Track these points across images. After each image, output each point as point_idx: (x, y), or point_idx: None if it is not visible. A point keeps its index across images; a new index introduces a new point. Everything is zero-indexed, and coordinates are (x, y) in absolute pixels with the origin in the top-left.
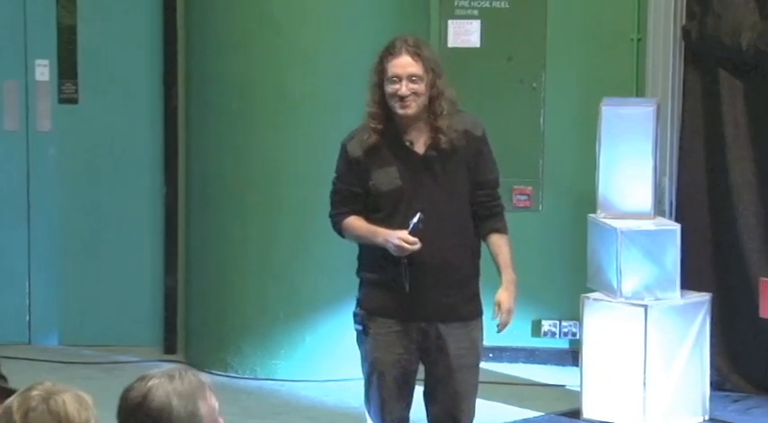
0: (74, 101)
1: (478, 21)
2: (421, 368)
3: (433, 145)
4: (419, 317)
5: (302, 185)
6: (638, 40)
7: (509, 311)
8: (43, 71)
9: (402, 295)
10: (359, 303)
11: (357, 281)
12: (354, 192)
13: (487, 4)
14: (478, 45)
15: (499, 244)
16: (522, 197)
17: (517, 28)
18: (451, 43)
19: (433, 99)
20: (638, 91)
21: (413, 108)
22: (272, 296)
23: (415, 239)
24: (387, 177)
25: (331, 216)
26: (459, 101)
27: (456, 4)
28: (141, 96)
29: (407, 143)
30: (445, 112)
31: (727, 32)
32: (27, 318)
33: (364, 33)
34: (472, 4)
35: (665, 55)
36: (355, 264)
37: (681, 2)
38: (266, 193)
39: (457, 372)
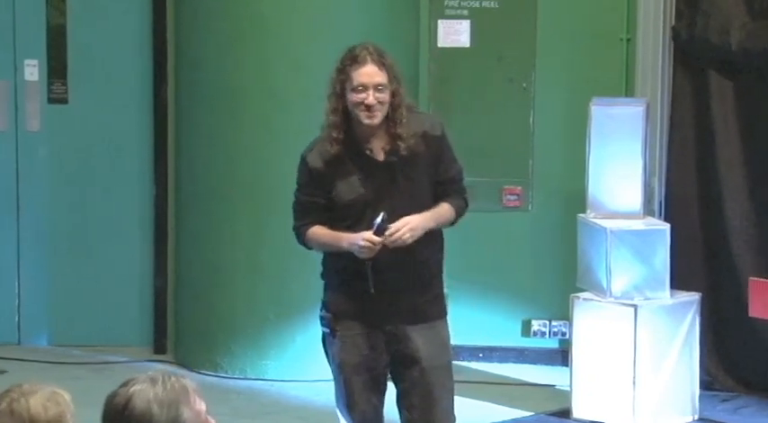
0: (63, 101)
1: (468, 21)
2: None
3: (393, 151)
4: (385, 320)
5: (292, 185)
6: (628, 40)
7: (408, 224)
8: (32, 71)
9: (367, 299)
10: (325, 306)
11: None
12: (317, 202)
13: (477, 4)
14: (468, 45)
15: (440, 204)
16: (512, 197)
17: (507, 28)
18: (441, 43)
19: (394, 107)
20: (628, 91)
21: (378, 117)
22: (261, 296)
23: (380, 239)
24: (349, 186)
25: (294, 228)
26: (447, 101)
27: (446, 3)
28: (131, 96)
29: (367, 151)
30: (405, 120)
31: (716, 32)
32: (16, 318)
33: (354, 33)
34: (462, 4)
35: (655, 55)
36: None
37: (670, 2)
38: (256, 193)
39: (430, 374)
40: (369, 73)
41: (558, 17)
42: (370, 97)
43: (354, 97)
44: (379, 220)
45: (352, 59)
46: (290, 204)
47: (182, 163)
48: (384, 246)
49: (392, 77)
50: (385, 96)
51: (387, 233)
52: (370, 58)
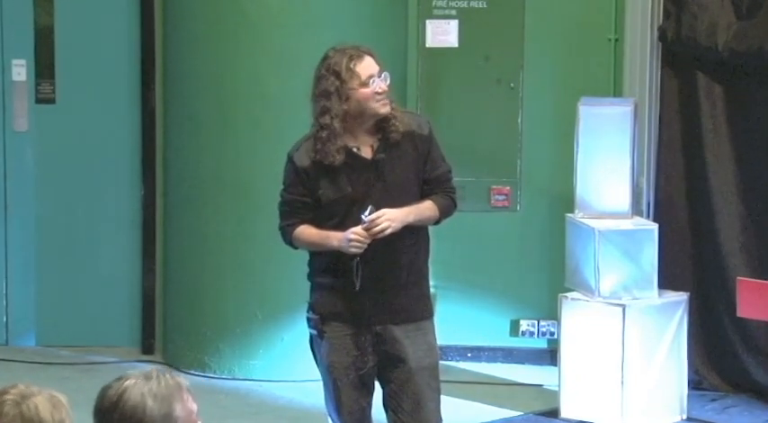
0: (51, 101)
1: (456, 21)
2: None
3: (381, 148)
4: (373, 320)
5: (279, 186)
6: (616, 40)
7: (386, 214)
8: (20, 71)
9: (354, 299)
10: (311, 308)
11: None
12: (303, 201)
13: (465, 4)
14: (456, 45)
15: (423, 201)
16: (500, 197)
17: (495, 28)
18: (429, 43)
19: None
20: (616, 91)
21: (390, 104)
22: (249, 296)
23: (366, 233)
24: (336, 185)
25: (281, 228)
26: (435, 101)
27: (434, 4)
28: (119, 96)
29: (354, 149)
30: (395, 105)
31: (702, 33)
32: (4, 318)
33: (342, 33)
34: (450, 4)
35: (643, 55)
36: None
37: (658, 2)
38: (243, 193)
39: (416, 375)
40: (371, 64)
41: (545, 17)
42: (383, 84)
43: (366, 91)
44: (366, 213)
45: (349, 58)
46: (276, 204)
47: (170, 163)
48: (372, 241)
49: (384, 68)
50: (389, 84)
51: (364, 220)
52: (364, 51)
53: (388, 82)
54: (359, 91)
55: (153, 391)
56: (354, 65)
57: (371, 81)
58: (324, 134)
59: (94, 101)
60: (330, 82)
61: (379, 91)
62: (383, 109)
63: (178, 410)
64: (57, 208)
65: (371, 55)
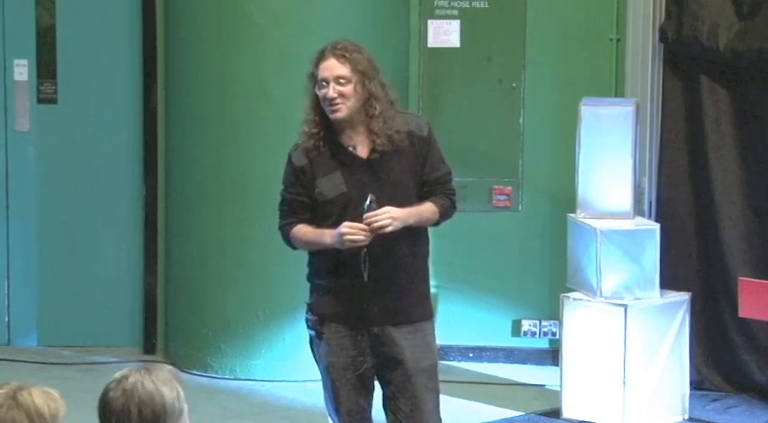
0: (53, 101)
1: (458, 21)
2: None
3: (377, 148)
4: (370, 322)
5: (280, 186)
6: (618, 40)
7: (388, 212)
8: (22, 71)
9: (353, 300)
10: (310, 309)
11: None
12: (302, 201)
13: (467, 5)
14: (458, 45)
15: (423, 203)
16: (502, 197)
17: (497, 28)
18: (431, 43)
19: (364, 101)
20: (618, 91)
21: (343, 111)
22: (251, 296)
23: (364, 226)
24: (331, 184)
25: (280, 227)
26: (437, 101)
27: (436, 4)
28: (120, 96)
29: (350, 148)
30: (377, 113)
31: (703, 33)
32: (6, 319)
33: (343, 33)
34: (452, 4)
35: (644, 55)
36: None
37: (659, 2)
38: (245, 193)
39: (414, 376)
40: (329, 67)
41: (547, 17)
42: (330, 90)
43: (319, 92)
44: (368, 202)
45: (318, 57)
46: (277, 205)
47: (171, 163)
48: (371, 241)
49: (355, 70)
50: (347, 89)
51: (365, 216)
52: (332, 52)
53: (346, 90)
54: (317, 90)
55: (160, 378)
56: (317, 64)
57: (323, 84)
58: (303, 118)
59: (96, 101)
60: (308, 75)
61: (327, 96)
62: (331, 115)
63: (182, 393)
64: (58, 208)
65: (342, 58)
